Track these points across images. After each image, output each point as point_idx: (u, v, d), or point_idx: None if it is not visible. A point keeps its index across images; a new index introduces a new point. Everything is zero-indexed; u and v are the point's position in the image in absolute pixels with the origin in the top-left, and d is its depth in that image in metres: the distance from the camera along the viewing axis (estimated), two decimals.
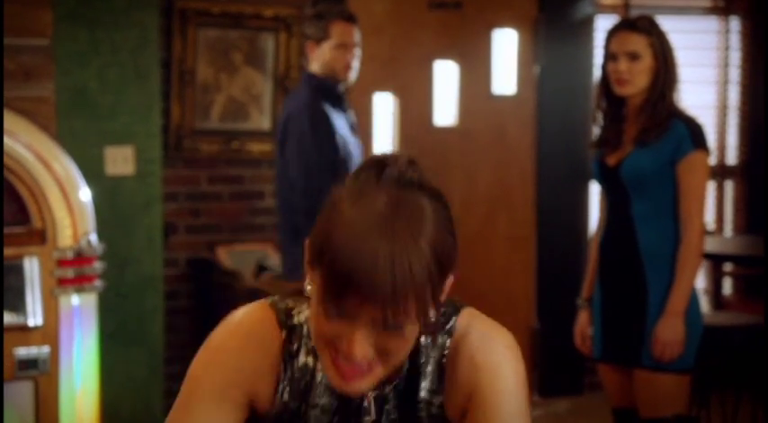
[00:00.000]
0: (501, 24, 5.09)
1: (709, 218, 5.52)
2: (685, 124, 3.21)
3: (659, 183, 3.22)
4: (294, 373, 1.49)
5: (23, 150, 3.17)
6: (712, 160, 4.42)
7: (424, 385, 1.49)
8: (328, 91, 3.87)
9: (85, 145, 4.22)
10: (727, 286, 5.98)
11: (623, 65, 3.23)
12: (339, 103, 3.89)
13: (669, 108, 3.23)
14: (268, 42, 4.99)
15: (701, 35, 5.81)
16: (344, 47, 3.88)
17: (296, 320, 1.50)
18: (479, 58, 5.15)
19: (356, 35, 3.93)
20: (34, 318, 3.15)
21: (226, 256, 4.87)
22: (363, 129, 4.23)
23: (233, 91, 5.01)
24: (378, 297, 1.31)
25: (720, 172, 5.95)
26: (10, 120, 3.19)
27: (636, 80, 3.23)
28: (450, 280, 1.42)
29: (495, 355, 1.47)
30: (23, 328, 3.15)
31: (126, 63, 4.36)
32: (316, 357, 1.48)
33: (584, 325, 3.48)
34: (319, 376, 1.49)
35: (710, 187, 5.03)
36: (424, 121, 4.97)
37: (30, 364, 3.16)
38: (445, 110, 4.81)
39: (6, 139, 3.16)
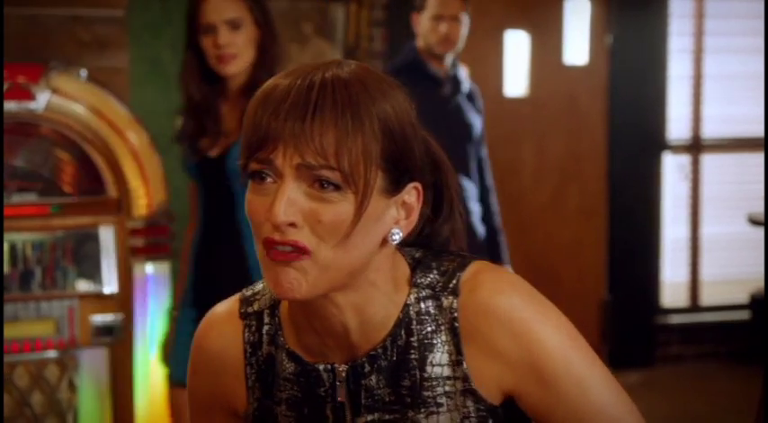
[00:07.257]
0: None
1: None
2: None
3: None
4: (260, 365, 1.33)
5: (98, 120, 3.22)
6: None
7: (438, 359, 1.25)
8: (414, 68, 3.67)
9: (158, 115, 4.26)
10: None
11: (225, 37, 2.68)
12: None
13: None
14: (338, 13, 4.98)
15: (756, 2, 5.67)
16: (441, 18, 3.67)
17: (256, 307, 1.33)
18: (551, 28, 5.09)
19: (455, 6, 3.69)
20: (110, 285, 3.21)
21: None
22: None
23: (303, 61, 5.00)
24: (290, 121, 1.14)
25: None
26: (86, 90, 3.24)
27: (243, 53, 2.71)
28: (415, 186, 1.22)
29: (519, 310, 1.22)
30: (99, 296, 3.22)
31: None
32: (276, 346, 1.31)
33: (172, 338, 2.90)
34: (279, 367, 1.31)
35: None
36: (495, 92, 4.93)
37: (105, 330, 3.23)
38: (516, 80, 4.78)
39: (82, 109, 3.21)
